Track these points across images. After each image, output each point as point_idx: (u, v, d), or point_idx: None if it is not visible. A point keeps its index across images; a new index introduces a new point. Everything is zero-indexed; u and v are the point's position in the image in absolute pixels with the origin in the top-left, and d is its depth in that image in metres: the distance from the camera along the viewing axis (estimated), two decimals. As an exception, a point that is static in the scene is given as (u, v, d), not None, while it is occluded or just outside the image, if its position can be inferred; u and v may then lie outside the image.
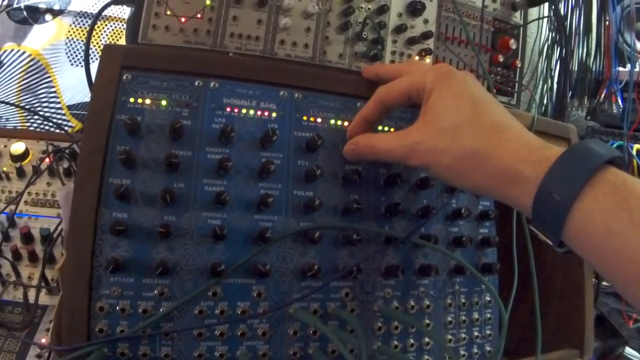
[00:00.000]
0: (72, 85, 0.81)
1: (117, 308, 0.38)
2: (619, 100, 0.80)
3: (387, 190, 0.45)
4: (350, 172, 0.43)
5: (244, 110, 0.43)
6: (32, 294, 0.49)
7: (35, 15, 0.79)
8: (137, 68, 0.42)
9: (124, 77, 0.42)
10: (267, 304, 0.40)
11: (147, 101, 0.42)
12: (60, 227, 0.54)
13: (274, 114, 0.44)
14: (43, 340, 0.46)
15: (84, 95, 0.81)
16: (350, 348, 0.39)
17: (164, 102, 0.42)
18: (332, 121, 0.45)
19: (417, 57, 0.57)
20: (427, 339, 0.45)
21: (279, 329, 0.40)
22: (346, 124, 0.45)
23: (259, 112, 0.43)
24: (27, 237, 0.54)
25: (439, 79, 0.38)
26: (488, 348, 0.49)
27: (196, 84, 0.43)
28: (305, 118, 0.44)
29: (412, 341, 0.44)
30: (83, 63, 0.69)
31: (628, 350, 0.74)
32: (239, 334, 0.39)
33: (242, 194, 0.41)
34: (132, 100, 0.42)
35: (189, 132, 0.41)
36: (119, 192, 0.39)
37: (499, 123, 0.36)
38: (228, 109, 0.43)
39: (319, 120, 0.45)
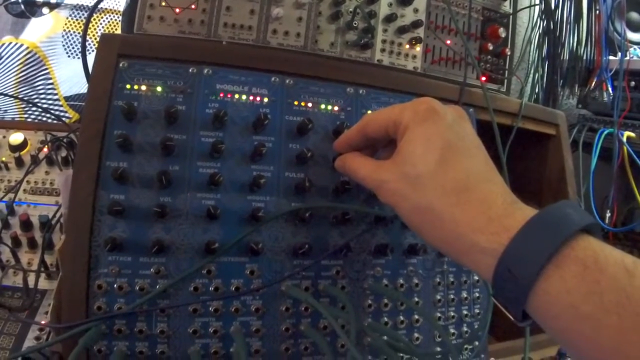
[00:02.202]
0: (69, 77, 0.82)
1: (115, 286, 0.40)
2: (610, 89, 0.82)
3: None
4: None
5: (236, 96, 0.45)
6: (31, 278, 0.51)
7: (32, 8, 0.81)
8: (134, 56, 0.44)
9: (121, 65, 0.44)
10: (260, 282, 0.42)
11: (143, 87, 0.44)
12: (58, 213, 0.56)
13: (265, 99, 0.46)
14: (43, 322, 0.48)
15: (80, 86, 0.83)
16: (341, 324, 0.41)
17: (159, 89, 0.44)
18: (323, 106, 0.47)
19: (407, 46, 0.59)
20: (417, 317, 0.47)
21: (272, 306, 0.42)
22: (336, 108, 0.48)
23: (251, 98, 0.45)
24: (27, 225, 0.55)
25: (415, 117, 0.35)
26: (477, 326, 0.51)
27: (190, 70, 0.45)
28: (296, 103, 0.46)
29: (402, 318, 0.46)
30: (80, 55, 0.71)
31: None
32: (233, 310, 0.41)
33: (235, 176, 0.43)
34: (128, 87, 0.43)
35: (184, 116, 0.43)
36: (117, 174, 0.40)
37: (464, 179, 0.33)
38: (221, 95, 0.45)
39: (309, 105, 0.47)
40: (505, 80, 0.66)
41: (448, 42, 0.60)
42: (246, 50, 0.49)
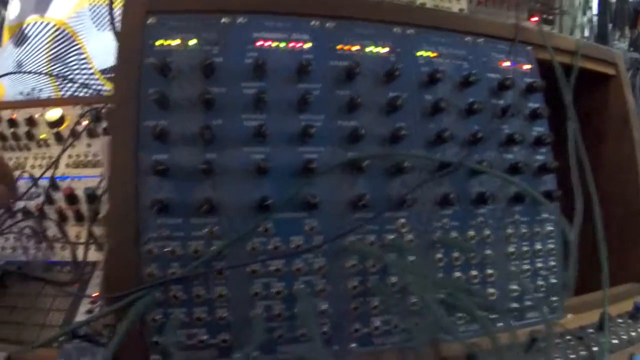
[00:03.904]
0: (102, 50, 0.78)
1: (167, 250, 0.36)
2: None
3: (435, 117, 0.41)
4: (394, 99, 0.39)
5: (274, 43, 0.40)
6: (80, 252, 0.48)
7: (56, -15, 0.76)
8: (162, 11, 0.40)
9: (149, 21, 0.39)
10: (321, 238, 0.37)
11: (175, 42, 0.39)
12: (102, 183, 0.52)
13: (307, 45, 0.40)
14: (93, 295, 0.44)
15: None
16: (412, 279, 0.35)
17: (192, 42, 0.39)
18: (369, 48, 0.41)
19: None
20: (490, 271, 0.41)
21: (336, 263, 0.37)
22: (385, 50, 0.41)
23: (290, 44, 0.40)
24: (71, 198, 0.52)
25: None
26: (553, 280, 0.44)
27: (223, 21, 0.39)
28: (339, 47, 0.41)
29: (474, 272, 0.40)
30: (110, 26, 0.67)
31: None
32: (295, 269, 0.36)
33: (282, 127, 0.38)
34: (158, 43, 0.39)
35: (221, 69, 0.38)
36: (156, 133, 0.36)
37: None
38: (258, 43, 0.39)
39: (354, 48, 0.41)
40: (558, 21, 0.58)
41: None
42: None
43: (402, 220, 0.38)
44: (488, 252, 0.41)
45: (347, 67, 0.39)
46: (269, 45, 0.39)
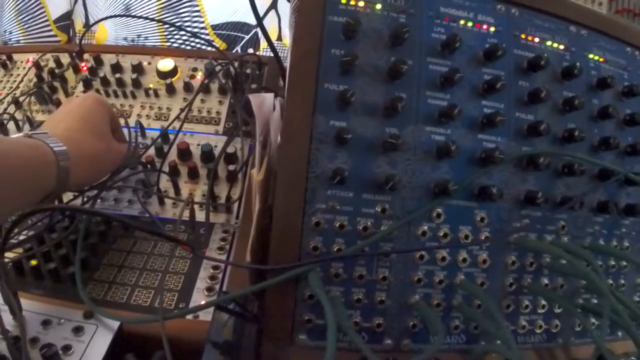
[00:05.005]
0: (217, 5, 0.70)
1: (335, 224, 0.33)
2: None
3: (599, 121, 0.39)
4: (572, 99, 0.37)
5: (462, 22, 0.36)
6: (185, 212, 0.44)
7: None
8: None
9: (331, -23, 0.35)
10: (488, 230, 0.35)
11: (361, 4, 0.35)
12: (217, 142, 0.48)
13: (492, 29, 0.37)
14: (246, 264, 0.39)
15: (229, 14, 0.71)
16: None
17: (378, 6, 0.35)
18: (549, 43, 0.39)
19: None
20: (622, 281, 0.40)
21: (497, 258, 0.35)
22: (562, 47, 0.39)
23: (477, 25, 0.37)
24: (185, 154, 0.47)
25: None
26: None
27: (410, -11, 0.36)
28: (523, 36, 0.38)
29: (610, 281, 0.39)
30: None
31: None
32: (461, 259, 0.34)
33: (465, 111, 0.35)
34: (343, 1, 0.35)
35: (408, 40, 0.35)
36: (341, 98, 0.33)
37: None
38: (446, 19, 0.36)
39: (536, 40, 0.38)
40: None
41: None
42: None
43: (563, 223, 0.37)
44: (624, 262, 0.40)
45: (532, 58, 0.36)
46: (457, 23, 0.36)
